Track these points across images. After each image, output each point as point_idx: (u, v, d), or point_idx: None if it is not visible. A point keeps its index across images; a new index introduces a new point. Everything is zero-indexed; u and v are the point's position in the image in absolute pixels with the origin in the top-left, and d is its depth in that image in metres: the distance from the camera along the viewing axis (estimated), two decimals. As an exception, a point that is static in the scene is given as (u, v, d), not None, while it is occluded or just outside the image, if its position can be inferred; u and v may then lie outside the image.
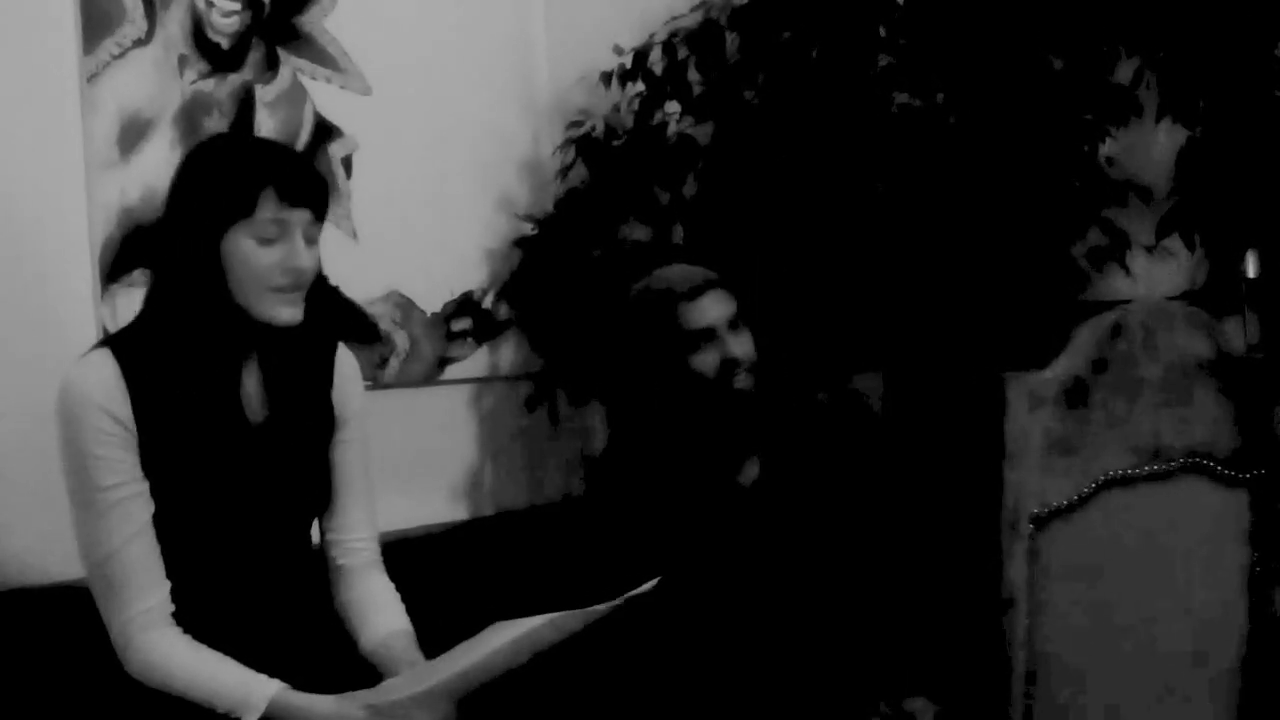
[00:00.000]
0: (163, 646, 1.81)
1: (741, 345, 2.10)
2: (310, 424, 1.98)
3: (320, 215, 1.88)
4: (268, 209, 1.80)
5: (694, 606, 2.02)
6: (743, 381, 2.09)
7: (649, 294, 2.15)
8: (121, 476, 1.80)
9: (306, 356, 1.99)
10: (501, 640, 1.76)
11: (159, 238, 1.90)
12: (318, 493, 2.01)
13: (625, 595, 1.79)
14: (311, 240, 1.87)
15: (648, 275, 2.20)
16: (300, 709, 1.80)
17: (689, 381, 2.08)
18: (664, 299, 2.12)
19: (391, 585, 2.08)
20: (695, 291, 2.11)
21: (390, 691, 1.84)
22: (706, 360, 2.08)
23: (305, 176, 1.88)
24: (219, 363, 1.87)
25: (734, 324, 2.11)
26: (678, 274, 2.17)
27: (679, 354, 2.09)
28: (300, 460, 1.97)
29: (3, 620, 2.17)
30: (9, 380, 2.27)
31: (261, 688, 1.80)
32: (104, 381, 1.79)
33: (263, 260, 1.81)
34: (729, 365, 2.08)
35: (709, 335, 2.09)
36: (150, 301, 1.89)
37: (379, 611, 2.03)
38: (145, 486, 1.82)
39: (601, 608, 1.78)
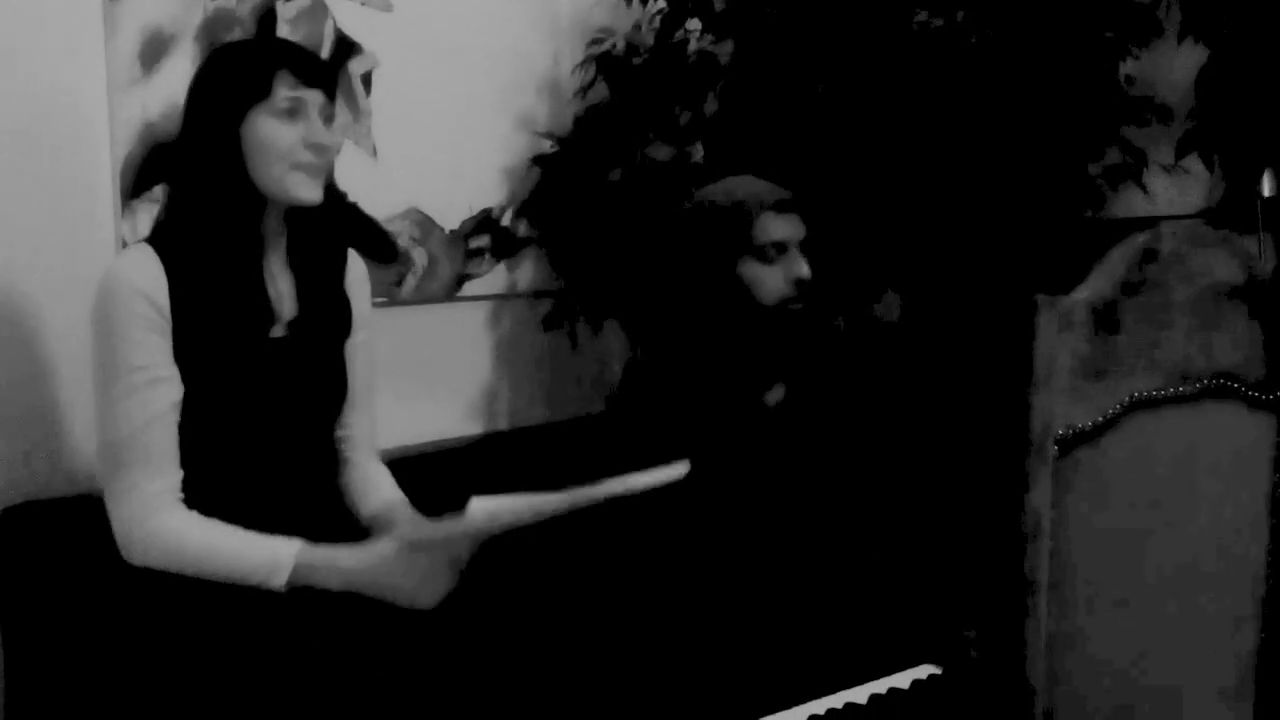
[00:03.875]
0: (176, 525, 1.83)
1: (806, 269, 2.07)
2: (333, 323, 2.03)
3: (332, 97, 1.93)
4: (284, 87, 1.86)
5: (719, 524, 2.02)
6: (798, 305, 2.08)
7: (719, 203, 2.09)
8: (153, 359, 1.83)
9: (328, 258, 2.04)
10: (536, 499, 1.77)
11: (179, 136, 1.94)
12: (339, 389, 2.06)
13: (651, 473, 1.74)
14: (329, 119, 1.92)
15: (711, 186, 2.12)
16: (327, 560, 1.83)
17: (743, 297, 2.05)
18: (741, 208, 2.06)
19: (387, 470, 2.15)
20: (778, 206, 2.06)
21: (418, 529, 1.89)
22: (775, 274, 2.05)
23: (317, 59, 1.96)
24: (243, 254, 1.90)
25: (801, 247, 2.08)
26: (757, 186, 2.10)
27: (743, 264, 2.04)
28: (324, 358, 2.01)
29: (20, 529, 2.19)
30: (32, 294, 2.29)
31: (285, 546, 1.82)
32: (147, 271, 1.83)
33: (286, 137, 1.87)
34: (800, 285, 2.04)
35: (781, 249, 2.05)
36: (174, 197, 1.94)
37: (377, 488, 2.12)
38: (175, 373, 1.85)
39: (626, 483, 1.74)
